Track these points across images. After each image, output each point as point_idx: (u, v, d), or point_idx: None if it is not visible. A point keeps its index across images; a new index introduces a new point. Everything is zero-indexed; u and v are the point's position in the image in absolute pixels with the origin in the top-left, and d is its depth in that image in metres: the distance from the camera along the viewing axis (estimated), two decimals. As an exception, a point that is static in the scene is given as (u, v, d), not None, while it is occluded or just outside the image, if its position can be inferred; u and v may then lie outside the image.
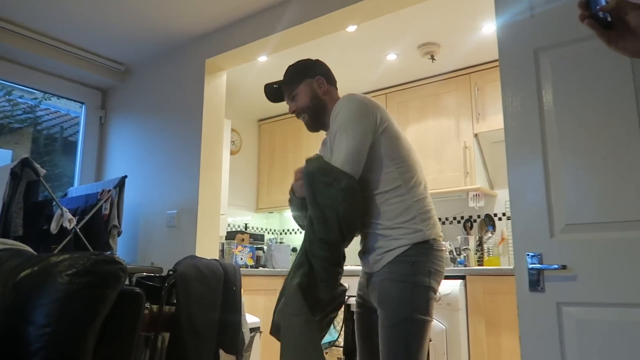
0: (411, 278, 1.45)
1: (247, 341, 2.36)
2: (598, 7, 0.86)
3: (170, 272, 2.22)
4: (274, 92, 1.77)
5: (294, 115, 1.73)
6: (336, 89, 1.75)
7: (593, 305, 1.43)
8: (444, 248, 1.57)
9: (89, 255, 1.47)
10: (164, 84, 3.53)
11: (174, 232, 3.15)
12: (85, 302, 1.41)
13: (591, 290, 1.44)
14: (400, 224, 1.50)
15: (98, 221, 2.99)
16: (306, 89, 1.68)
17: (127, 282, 1.96)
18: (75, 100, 3.84)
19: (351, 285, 3.18)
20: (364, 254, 1.62)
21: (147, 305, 2.13)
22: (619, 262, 1.41)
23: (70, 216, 2.78)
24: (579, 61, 1.58)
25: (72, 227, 2.79)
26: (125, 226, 3.29)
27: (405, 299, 1.44)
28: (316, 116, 1.68)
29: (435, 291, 1.50)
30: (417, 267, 1.46)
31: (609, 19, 0.86)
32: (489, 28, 3.05)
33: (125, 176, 3.15)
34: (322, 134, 1.78)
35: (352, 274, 3.21)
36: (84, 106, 3.88)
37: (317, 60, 1.77)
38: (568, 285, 1.47)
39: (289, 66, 1.76)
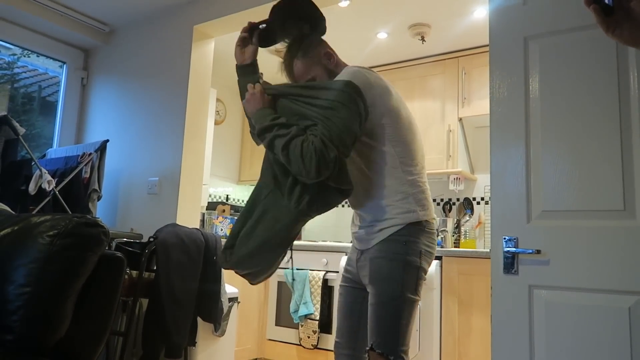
0: (403, 257, 1.47)
1: (225, 310, 2.39)
2: None
3: (151, 239, 2.22)
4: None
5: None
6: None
7: (563, 289, 1.49)
8: (435, 230, 1.59)
9: (71, 217, 1.46)
10: (149, 48, 3.45)
11: (155, 200, 3.14)
12: (65, 264, 1.41)
13: (562, 274, 1.50)
14: (394, 203, 1.51)
15: (78, 184, 2.95)
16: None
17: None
18: (56, 59, 3.74)
19: (329, 261, 3.23)
20: (357, 230, 1.62)
21: (127, 270, 2.14)
22: (590, 249, 1.47)
23: (49, 177, 2.74)
24: (567, 52, 1.60)
25: (50, 188, 2.75)
26: (105, 191, 3.26)
27: (397, 277, 1.46)
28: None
29: (425, 272, 1.52)
30: (410, 246, 1.48)
31: (611, 5, 0.88)
32: (480, 13, 3.06)
33: (107, 140, 3.10)
34: None
35: (330, 250, 3.26)
36: (65, 66, 3.77)
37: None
38: (541, 269, 1.53)
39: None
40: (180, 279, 2.22)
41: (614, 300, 1.42)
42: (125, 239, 2.39)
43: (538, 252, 1.53)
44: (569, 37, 1.61)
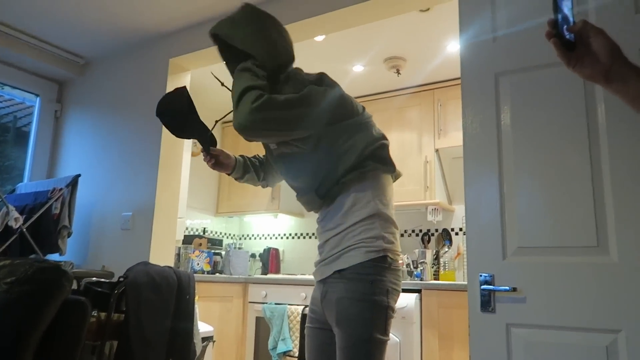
0: (371, 297, 1.42)
1: (198, 351, 2.30)
2: (566, 26, 0.89)
3: (121, 279, 2.14)
4: None
5: None
6: None
7: (541, 328, 1.47)
8: (400, 267, 1.56)
9: (31, 262, 1.40)
10: (125, 81, 3.42)
11: (128, 235, 3.05)
12: (24, 312, 1.34)
13: (539, 312, 1.48)
14: (362, 236, 1.46)
15: (47, 221, 2.86)
16: None
17: (75, 286, 1.88)
18: (28, 92, 3.67)
19: (309, 295, 3.16)
20: (321, 261, 1.57)
21: (95, 312, 2.05)
22: (566, 286, 1.46)
23: (16, 215, 2.65)
24: (537, 87, 1.63)
25: (18, 226, 2.66)
26: (77, 227, 3.16)
27: (366, 318, 1.41)
28: None
29: (393, 310, 1.48)
30: (377, 285, 1.43)
31: (573, 40, 0.89)
32: (453, 46, 3.12)
33: (79, 175, 3.03)
34: None
35: (309, 284, 3.20)
36: (38, 98, 3.71)
37: None
38: (518, 307, 1.51)
39: None
40: (151, 319, 2.13)
41: (591, 338, 1.40)
42: (94, 279, 2.30)
43: (514, 289, 1.51)
44: (538, 74, 1.63)
